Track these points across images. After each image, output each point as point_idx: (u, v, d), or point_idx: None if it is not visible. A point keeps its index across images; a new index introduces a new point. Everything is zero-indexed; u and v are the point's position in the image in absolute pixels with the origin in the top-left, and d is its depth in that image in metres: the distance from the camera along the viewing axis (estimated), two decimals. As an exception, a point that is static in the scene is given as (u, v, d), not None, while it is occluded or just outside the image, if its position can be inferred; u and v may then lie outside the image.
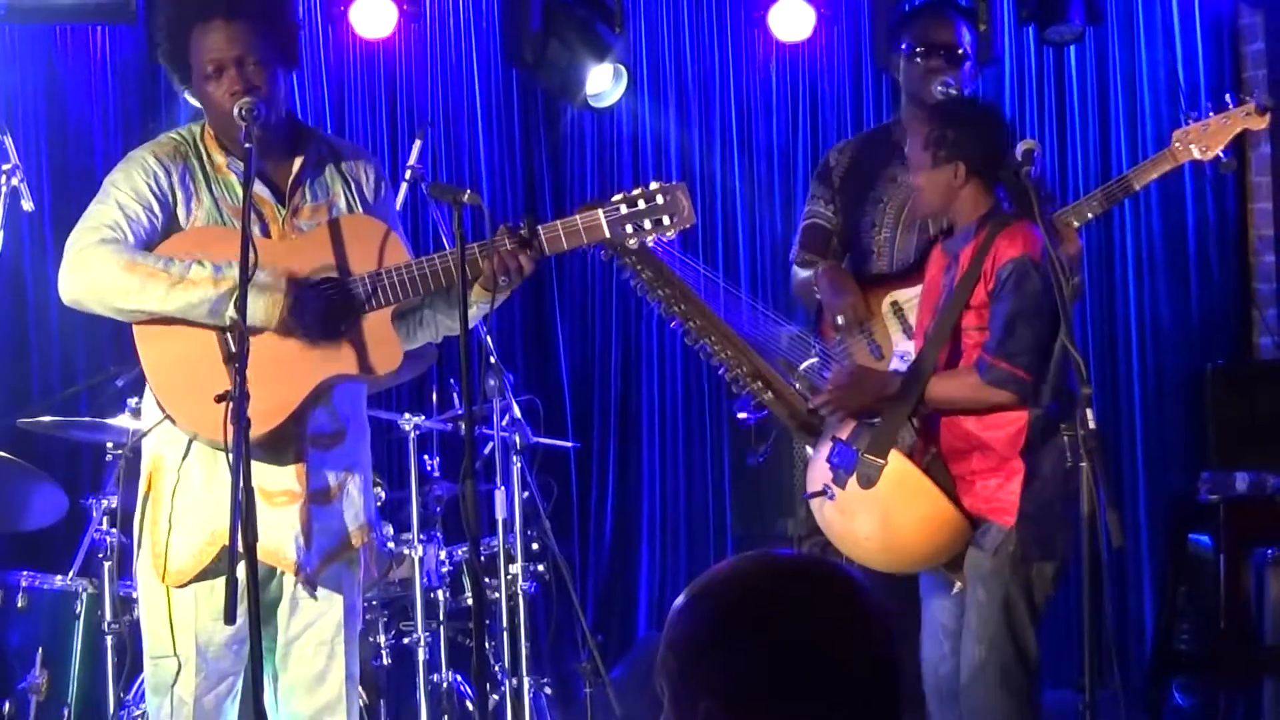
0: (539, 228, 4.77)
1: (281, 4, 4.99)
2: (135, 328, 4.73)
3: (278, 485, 4.77)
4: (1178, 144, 6.26)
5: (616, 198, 4.83)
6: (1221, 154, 6.31)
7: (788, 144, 8.66)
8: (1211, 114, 6.27)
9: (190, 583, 4.75)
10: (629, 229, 4.83)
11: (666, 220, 4.85)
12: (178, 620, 4.77)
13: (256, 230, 4.69)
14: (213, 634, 4.74)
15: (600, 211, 4.81)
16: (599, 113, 8.29)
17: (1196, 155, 6.26)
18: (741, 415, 6.52)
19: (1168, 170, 6.32)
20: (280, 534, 4.76)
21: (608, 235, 4.80)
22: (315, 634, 4.91)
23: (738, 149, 8.57)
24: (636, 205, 4.83)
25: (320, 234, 4.84)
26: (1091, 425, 5.01)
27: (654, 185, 4.87)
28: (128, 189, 4.75)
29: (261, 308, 4.62)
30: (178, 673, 4.79)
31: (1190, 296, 8.80)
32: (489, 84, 8.41)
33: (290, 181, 4.88)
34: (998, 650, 5.42)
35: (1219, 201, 8.80)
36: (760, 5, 8.17)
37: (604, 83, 7.94)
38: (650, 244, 5.00)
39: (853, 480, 5.47)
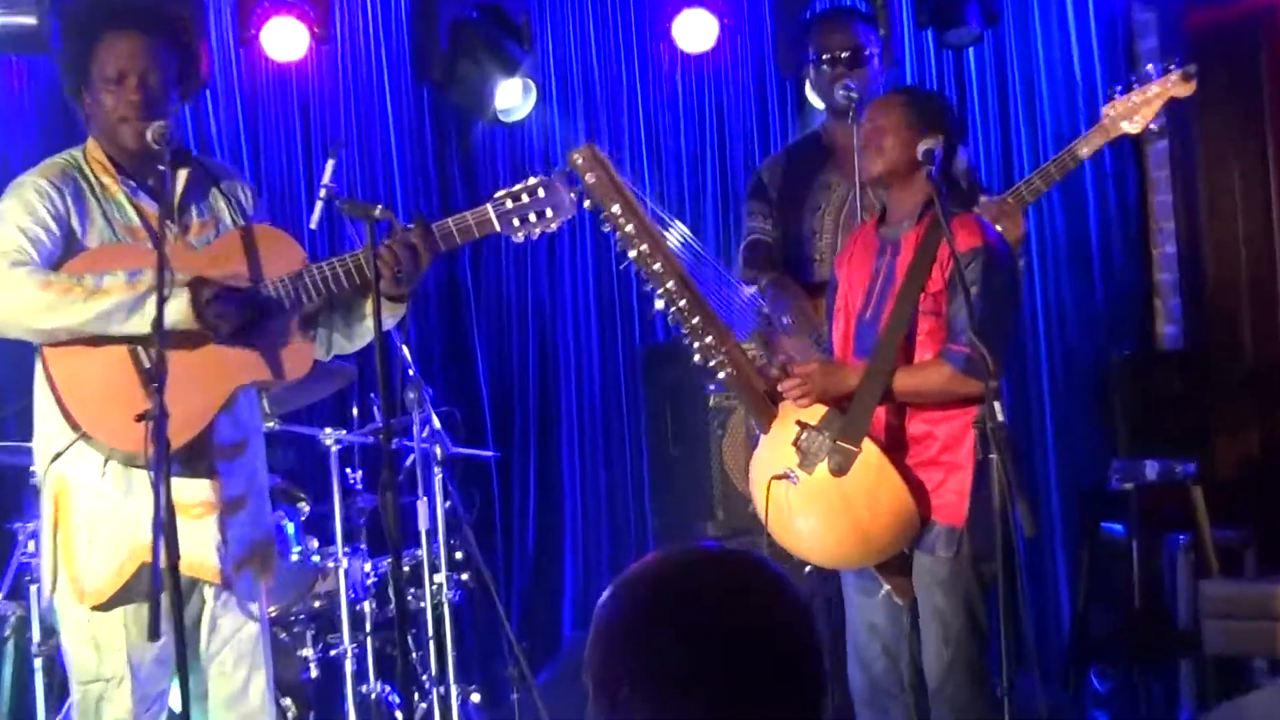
0: (433, 225, 4.72)
1: (189, 30, 4.96)
2: (45, 350, 4.58)
3: (194, 497, 4.62)
4: (1108, 118, 6.13)
5: (500, 193, 4.80)
6: (1152, 124, 6.20)
7: (696, 152, 8.50)
8: (1136, 86, 6.14)
9: (111, 601, 4.58)
10: (516, 222, 4.78)
11: (550, 213, 4.81)
12: (106, 642, 4.58)
13: (149, 245, 4.63)
14: (145, 652, 4.55)
15: (489, 207, 4.78)
16: (510, 126, 8.22)
17: (1127, 129, 6.13)
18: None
19: (1104, 143, 6.20)
20: (201, 546, 4.63)
21: (498, 229, 4.77)
22: (234, 649, 4.76)
23: (647, 158, 8.43)
24: (520, 199, 4.79)
25: (222, 243, 4.77)
26: (1000, 418, 4.91)
27: (534, 180, 4.82)
28: (24, 213, 4.60)
29: (176, 308, 4.50)
30: (108, 696, 4.62)
31: (1094, 288, 8.56)
32: (400, 102, 8.24)
33: (178, 199, 4.77)
34: (964, 649, 5.31)
35: (1120, 195, 8.60)
36: (664, 17, 8.02)
37: (514, 97, 7.86)
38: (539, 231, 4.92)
39: (821, 466, 5.30)
